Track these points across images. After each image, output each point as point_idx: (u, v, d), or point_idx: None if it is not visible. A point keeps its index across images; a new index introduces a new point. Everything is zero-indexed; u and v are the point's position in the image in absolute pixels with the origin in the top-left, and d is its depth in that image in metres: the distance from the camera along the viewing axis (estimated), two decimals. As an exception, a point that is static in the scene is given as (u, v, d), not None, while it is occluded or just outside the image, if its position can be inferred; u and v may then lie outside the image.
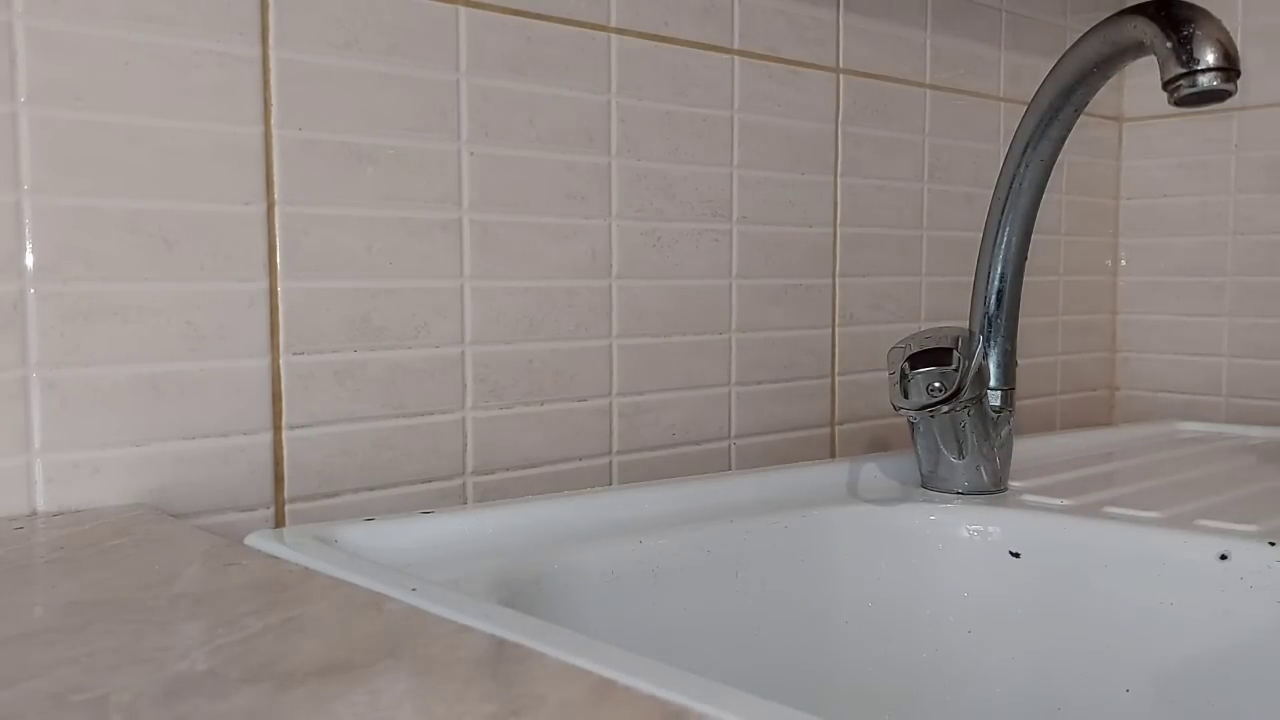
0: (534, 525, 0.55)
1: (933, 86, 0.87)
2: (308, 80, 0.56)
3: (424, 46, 0.60)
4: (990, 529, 0.60)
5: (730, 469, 0.76)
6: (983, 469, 0.64)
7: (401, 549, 0.50)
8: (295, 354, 0.57)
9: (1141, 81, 1.07)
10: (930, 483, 0.65)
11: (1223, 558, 0.54)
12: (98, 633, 0.33)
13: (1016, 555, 0.60)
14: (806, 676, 0.58)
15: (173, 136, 0.52)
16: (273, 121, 0.55)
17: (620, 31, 0.68)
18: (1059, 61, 0.59)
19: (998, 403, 0.63)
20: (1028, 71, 0.95)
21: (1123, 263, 1.10)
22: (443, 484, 0.62)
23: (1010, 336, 0.64)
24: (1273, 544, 0.53)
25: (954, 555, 0.61)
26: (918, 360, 0.62)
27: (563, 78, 0.66)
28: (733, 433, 0.76)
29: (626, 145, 0.69)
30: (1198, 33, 0.49)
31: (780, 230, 0.78)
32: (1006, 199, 0.63)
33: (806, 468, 0.68)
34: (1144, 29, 0.51)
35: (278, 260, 0.56)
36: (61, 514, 0.49)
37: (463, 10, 0.62)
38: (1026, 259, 0.64)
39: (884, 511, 0.61)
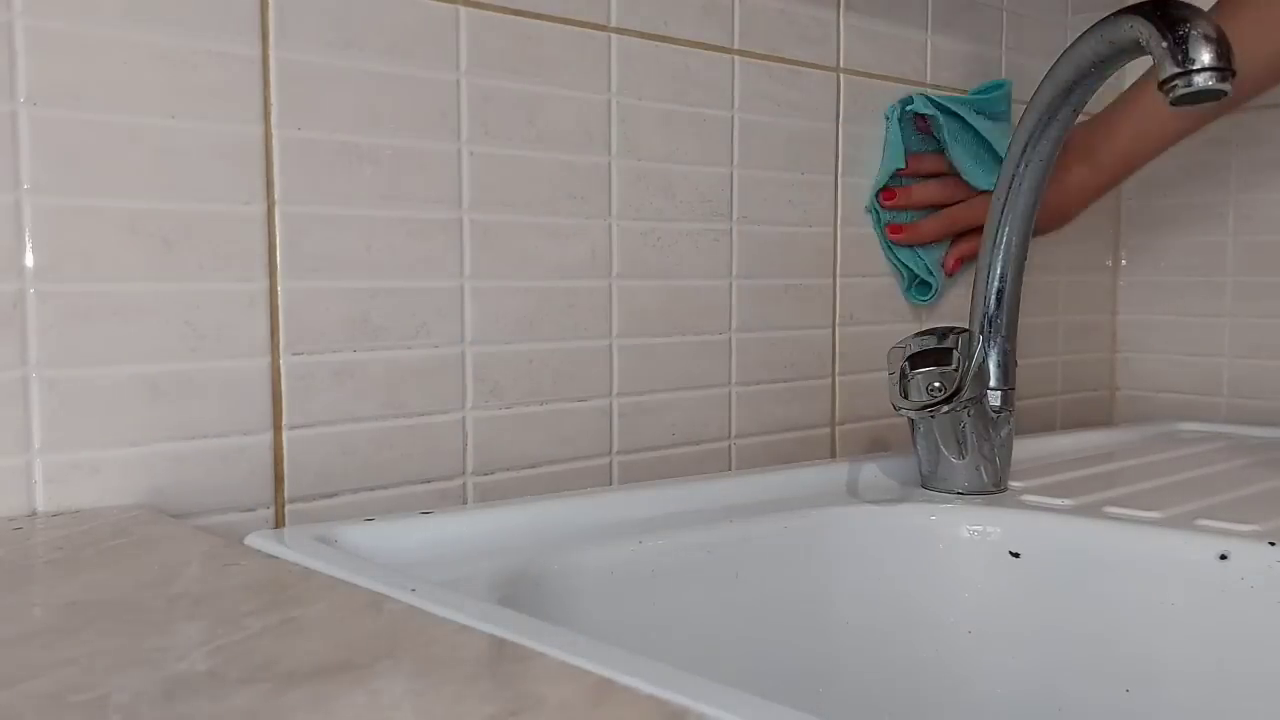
0: (534, 525, 0.55)
1: (933, 86, 0.87)
2: (308, 80, 0.56)
3: (424, 46, 0.60)
4: (990, 529, 0.60)
5: (730, 469, 0.76)
6: (983, 469, 0.64)
7: (401, 549, 0.50)
8: (295, 354, 0.57)
9: (1141, 81, 1.07)
10: (930, 483, 0.65)
11: (1223, 558, 0.54)
12: (97, 633, 0.33)
13: (1016, 555, 0.60)
14: (807, 676, 0.58)
15: (173, 136, 0.52)
16: (273, 121, 0.55)
17: (620, 31, 0.68)
18: (1057, 61, 0.59)
19: (998, 403, 0.63)
20: (1028, 71, 0.94)
21: (1123, 263, 1.10)
22: (443, 484, 0.62)
23: (1010, 336, 0.64)
24: (1273, 544, 0.53)
25: (954, 555, 0.61)
26: (918, 360, 0.62)
27: (563, 78, 0.66)
28: (733, 433, 0.76)
29: (626, 145, 0.69)
30: (1193, 32, 0.49)
31: (780, 230, 0.78)
32: (1006, 199, 0.63)
33: (806, 468, 0.68)
34: (1140, 28, 0.51)
35: (278, 260, 0.56)
36: (61, 514, 0.49)
37: (463, 10, 0.62)
38: (1026, 259, 0.64)
39: (884, 511, 0.61)
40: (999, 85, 0.87)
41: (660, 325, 0.71)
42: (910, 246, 0.85)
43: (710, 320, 0.74)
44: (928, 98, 0.83)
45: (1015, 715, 0.59)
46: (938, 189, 0.84)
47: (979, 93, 0.87)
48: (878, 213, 0.84)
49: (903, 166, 0.82)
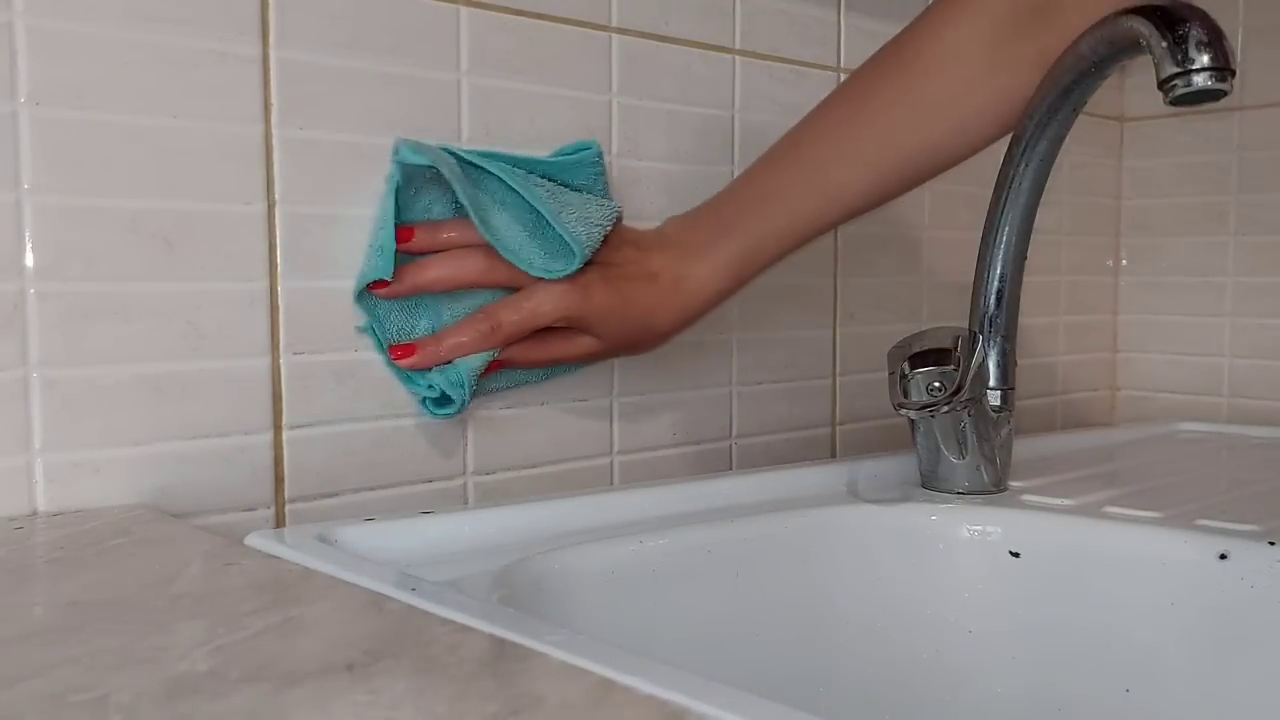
0: (534, 525, 0.55)
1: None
2: (308, 79, 0.56)
3: (424, 46, 0.60)
4: (990, 529, 0.60)
5: (731, 469, 0.76)
6: (983, 469, 0.64)
7: (401, 549, 0.50)
8: (295, 354, 0.57)
9: (1142, 81, 1.07)
10: (930, 483, 0.65)
11: (1223, 558, 0.54)
12: (98, 633, 0.33)
13: (1016, 555, 0.60)
14: (807, 676, 0.58)
15: (173, 136, 0.52)
16: (273, 121, 0.55)
17: (621, 31, 0.68)
18: (1056, 61, 0.59)
19: (998, 403, 0.63)
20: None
21: (1123, 263, 1.10)
22: (443, 484, 0.62)
23: (1010, 336, 0.63)
24: (1273, 544, 0.53)
25: (954, 555, 0.61)
26: (918, 360, 0.62)
27: (563, 78, 0.66)
28: (733, 433, 0.76)
29: (626, 145, 0.69)
30: (1193, 32, 0.49)
31: (780, 230, 0.78)
32: (1005, 198, 0.63)
33: (807, 468, 0.68)
34: (1140, 28, 0.51)
35: (278, 260, 0.56)
36: (61, 514, 0.50)
37: (463, 10, 0.62)
38: (1026, 258, 0.64)
39: (884, 511, 0.61)
40: (584, 147, 0.64)
41: (660, 325, 0.71)
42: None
43: (710, 320, 0.74)
44: (450, 151, 0.59)
45: (1015, 715, 0.59)
46: (473, 264, 0.57)
47: (559, 155, 0.64)
48: (375, 330, 0.58)
49: (393, 244, 0.56)
